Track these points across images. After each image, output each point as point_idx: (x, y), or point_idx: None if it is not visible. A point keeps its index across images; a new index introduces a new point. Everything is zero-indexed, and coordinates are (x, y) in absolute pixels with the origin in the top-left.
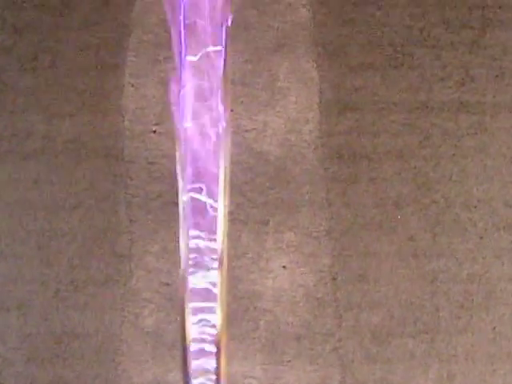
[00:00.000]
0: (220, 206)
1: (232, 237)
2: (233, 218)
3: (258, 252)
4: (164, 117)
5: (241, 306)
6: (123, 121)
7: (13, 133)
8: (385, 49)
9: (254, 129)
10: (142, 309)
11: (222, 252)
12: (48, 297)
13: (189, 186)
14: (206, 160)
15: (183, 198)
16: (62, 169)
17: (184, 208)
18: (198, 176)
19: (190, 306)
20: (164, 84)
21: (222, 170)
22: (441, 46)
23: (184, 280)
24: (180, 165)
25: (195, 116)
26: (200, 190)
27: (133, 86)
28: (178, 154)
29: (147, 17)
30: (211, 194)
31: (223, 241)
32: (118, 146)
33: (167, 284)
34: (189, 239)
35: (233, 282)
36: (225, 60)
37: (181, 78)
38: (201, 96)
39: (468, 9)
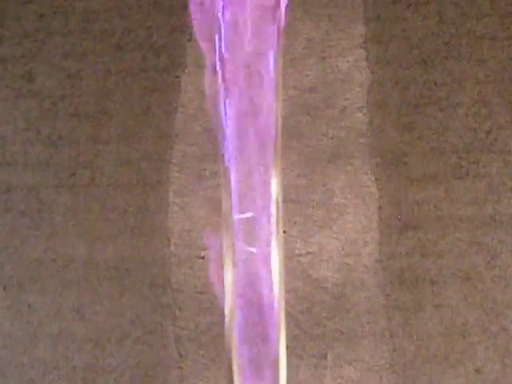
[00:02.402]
0: (279, 338)
1: (288, 372)
2: (288, 351)
3: None
4: (214, 240)
5: None
6: (169, 245)
7: (52, 258)
8: (448, 156)
9: (309, 252)
10: None
11: None
12: None
13: (239, 315)
14: (258, 288)
15: (233, 329)
16: (106, 298)
17: (234, 341)
18: (249, 304)
19: None
20: (212, 203)
21: (276, 299)
22: (509, 151)
23: None
24: (228, 292)
25: (245, 239)
26: (252, 320)
27: (178, 205)
28: (226, 280)
29: (190, 127)
30: (265, 325)
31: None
32: (165, 274)
33: None
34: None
35: None
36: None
37: (232, 195)
38: (251, 217)
39: None
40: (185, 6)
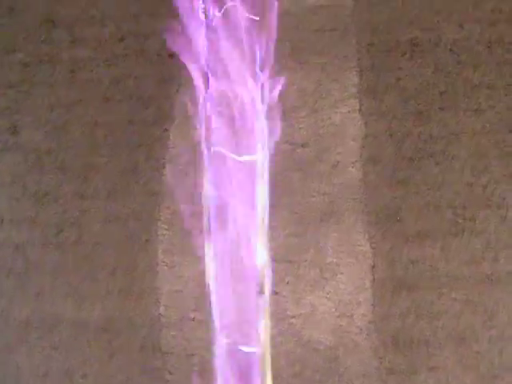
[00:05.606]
0: None
1: None
2: None
3: None
4: (203, 301)
5: None
6: (158, 306)
7: (40, 318)
8: (444, 212)
9: (302, 314)
10: None
11: None
12: None
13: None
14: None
15: None
16: (95, 360)
17: None
18: (239, 373)
19: None
20: (201, 263)
21: (266, 362)
22: (507, 206)
23: None
24: (220, 359)
25: (235, 303)
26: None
27: (167, 264)
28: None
29: (179, 184)
30: None
31: None
32: (154, 336)
33: None
34: None
35: None
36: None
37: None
38: (240, 276)
39: None
40: (172, 56)
